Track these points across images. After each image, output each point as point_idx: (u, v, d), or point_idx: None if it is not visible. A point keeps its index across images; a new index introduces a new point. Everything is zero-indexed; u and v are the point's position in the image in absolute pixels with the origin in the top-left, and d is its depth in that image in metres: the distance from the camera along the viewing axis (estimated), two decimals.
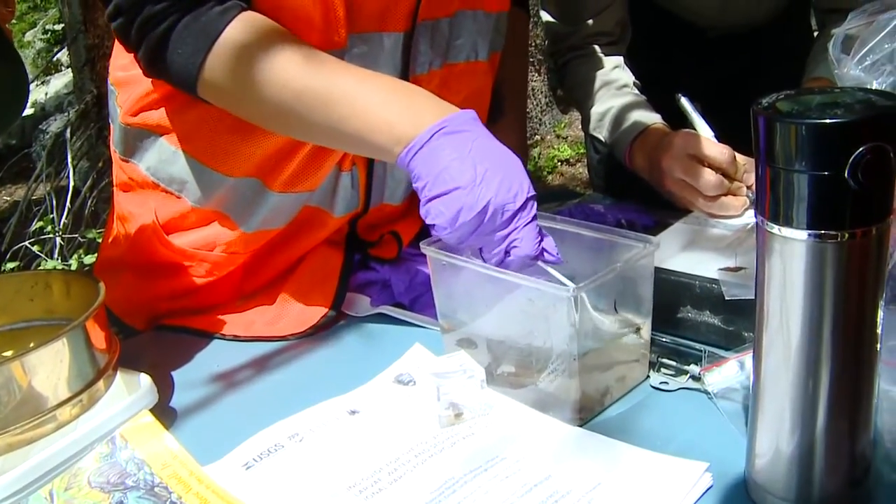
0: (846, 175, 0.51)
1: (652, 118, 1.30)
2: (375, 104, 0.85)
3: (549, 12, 1.47)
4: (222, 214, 1.07)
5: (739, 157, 1.13)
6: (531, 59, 4.79)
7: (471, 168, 0.78)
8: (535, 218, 0.81)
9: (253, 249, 1.09)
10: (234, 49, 0.88)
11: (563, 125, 4.85)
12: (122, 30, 0.92)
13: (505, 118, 1.29)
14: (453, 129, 0.81)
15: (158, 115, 1.06)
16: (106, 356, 0.87)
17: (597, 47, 1.44)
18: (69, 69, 6.40)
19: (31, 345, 0.78)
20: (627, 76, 1.40)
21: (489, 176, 0.78)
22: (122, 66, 1.10)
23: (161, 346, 1.09)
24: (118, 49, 1.10)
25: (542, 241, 0.81)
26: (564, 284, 0.79)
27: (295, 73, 0.87)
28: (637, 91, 1.38)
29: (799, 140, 0.52)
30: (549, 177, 4.57)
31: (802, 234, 0.55)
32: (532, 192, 0.81)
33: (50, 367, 0.79)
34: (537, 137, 4.93)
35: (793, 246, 0.56)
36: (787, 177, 0.54)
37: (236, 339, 1.07)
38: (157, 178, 1.08)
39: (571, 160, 4.66)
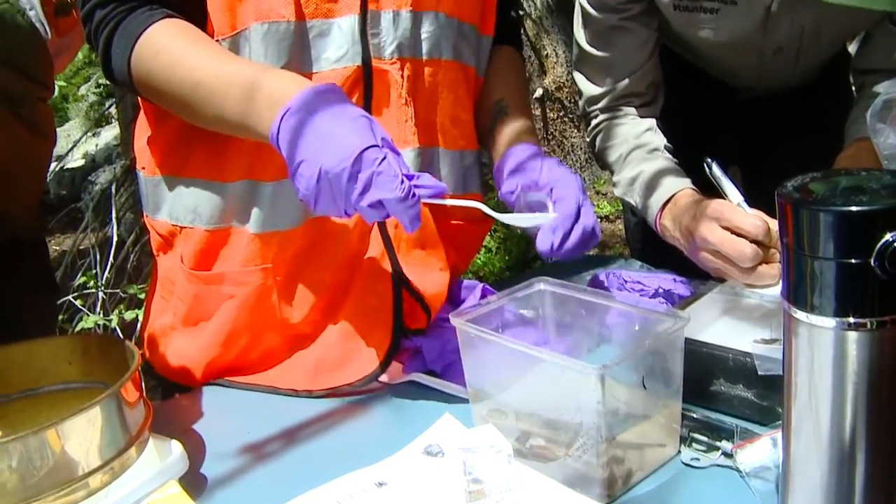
0: (873, 263, 0.51)
1: (681, 183, 1.29)
2: (249, 92, 0.95)
3: (581, 73, 1.48)
4: (233, 227, 1.11)
5: (773, 224, 1.12)
6: (570, 116, 4.82)
7: (305, 143, 0.89)
8: (385, 160, 0.86)
9: (278, 261, 1.10)
10: (150, 46, 1.02)
11: (602, 182, 4.85)
12: (87, 37, 1.07)
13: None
14: (296, 109, 0.90)
15: (160, 155, 1.15)
16: (139, 422, 0.88)
17: (630, 109, 1.45)
18: (118, 120, 6.57)
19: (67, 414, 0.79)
20: (659, 139, 1.40)
21: (318, 144, 0.88)
22: (137, 144, 1.20)
23: (196, 408, 1.10)
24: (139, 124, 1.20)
25: (407, 183, 0.87)
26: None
27: (193, 66, 1.00)
28: (669, 154, 1.38)
29: (824, 227, 0.52)
30: None
31: (830, 322, 0.54)
32: (366, 144, 0.87)
33: (83, 434, 0.80)
34: None
35: (820, 333, 0.55)
36: (812, 263, 0.53)
37: (290, 392, 1.10)
38: (178, 219, 1.14)
39: (611, 217, 4.65)
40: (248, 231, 1.09)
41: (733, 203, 1.16)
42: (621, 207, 4.58)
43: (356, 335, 1.11)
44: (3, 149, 1.16)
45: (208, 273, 1.13)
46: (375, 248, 1.12)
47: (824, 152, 1.31)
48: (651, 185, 1.32)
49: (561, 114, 4.82)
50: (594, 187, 4.92)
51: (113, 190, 3.89)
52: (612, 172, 1.45)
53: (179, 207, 1.14)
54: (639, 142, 1.39)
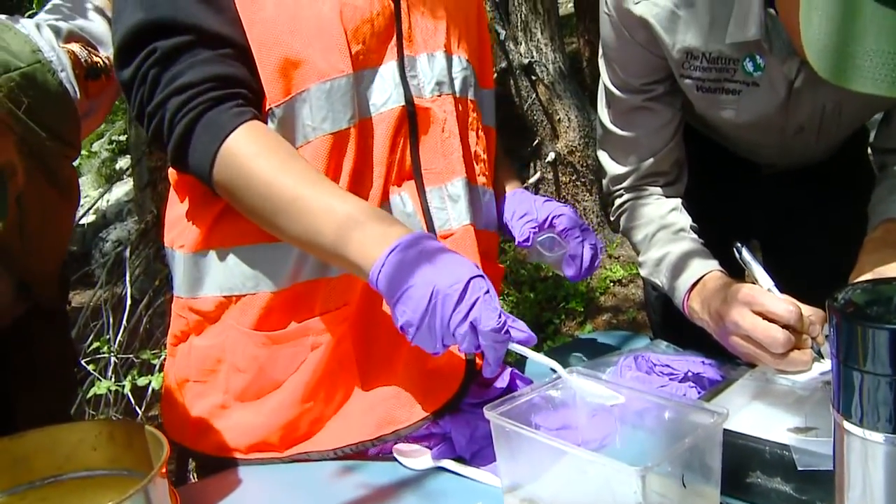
0: None
1: (709, 266, 1.29)
2: (348, 225, 0.99)
3: (605, 152, 1.49)
4: (306, 280, 1.12)
5: (805, 310, 1.12)
6: (583, 179, 4.84)
7: (418, 271, 0.93)
8: (488, 293, 0.92)
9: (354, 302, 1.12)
10: (242, 152, 1.03)
11: (614, 245, 4.86)
12: (158, 125, 1.07)
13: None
14: (404, 247, 0.95)
15: (206, 229, 1.15)
16: None
17: (654, 188, 1.45)
18: (130, 178, 6.65)
19: None
20: (684, 220, 1.40)
21: (432, 271, 0.93)
22: (170, 222, 1.22)
23: (225, 489, 1.08)
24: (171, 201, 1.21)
25: (504, 318, 0.91)
26: (552, 369, 0.97)
27: (288, 184, 1.02)
28: (694, 235, 1.38)
29: (880, 344, 0.51)
30: (602, 298, 4.55)
31: (881, 437, 0.53)
32: (475, 273, 0.93)
33: None
34: None
35: (872, 447, 0.54)
36: (865, 378, 0.53)
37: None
38: (232, 289, 1.14)
39: (624, 281, 4.64)
40: (326, 277, 1.11)
41: (764, 288, 1.15)
42: (634, 271, 4.61)
43: (427, 370, 1.12)
44: (32, 211, 1.16)
45: (286, 331, 1.12)
46: None
47: (845, 228, 1.32)
48: (678, 267, 1.32)
49: (573, 177, 4.85)
50: (606, 251, 4.92)
51: (127, 253, 3.91)
52: (637, 252, 1.45)
53: (236, 276, 1.14)
54: (664, 222, 1.39)
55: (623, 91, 1.39)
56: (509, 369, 1.21)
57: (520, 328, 0.93)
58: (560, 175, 4.85)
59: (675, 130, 1.43)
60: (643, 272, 1.42)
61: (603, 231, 4.95)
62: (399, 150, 1.15)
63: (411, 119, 1.15)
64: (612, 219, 1.54)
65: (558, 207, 1.33)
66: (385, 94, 1.13)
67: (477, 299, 0.91)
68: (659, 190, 1.45)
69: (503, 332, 0.91)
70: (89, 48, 1.34)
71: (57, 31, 1.33)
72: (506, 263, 5.08)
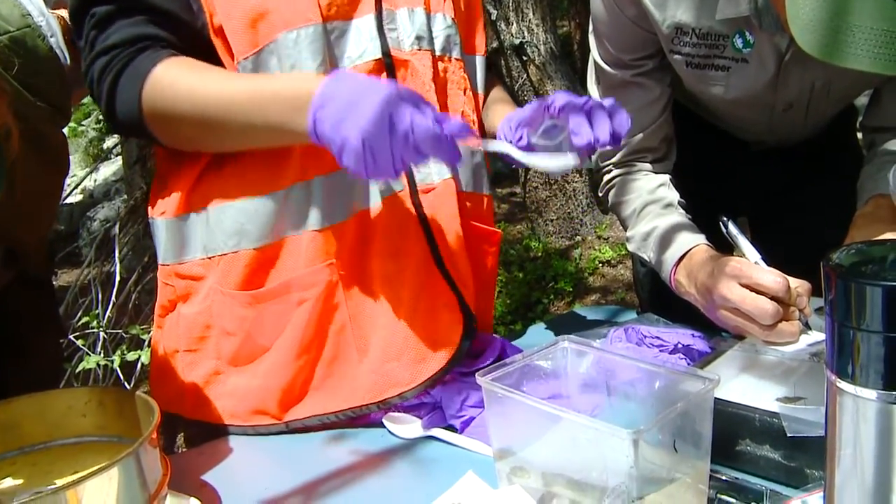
0: None
1: (696, 239, 1.29)
2: (270, 101, 1.01)
3: None
4: (287, 236, 1.12)
5: (791, 281, 1.12)
6: None
7: (343, 123, 0.92)
8: (415, 107, 0.92)
9: (339, 256, 1.12)
10: (162, 79, 1.05)
11: (604, 226, 4.86)
12: (90, 86, 1.10)
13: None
14: (319, 105, 0.95)
15: (187, 191, 1.16)
16: (157, 480, 0.86)
17: (643, 164, 1.45)
18: (118, 157, 6.60)
19: (80, 473, 0.78)
20: (673, 194, 1.40)
21: (351, 123, 0.91)
22: (153, 194, 1.21)
23: (214, 460, 1.08)
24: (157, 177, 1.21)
25: (443, 129, 0.92)
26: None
27: (212, 88, 1.04)
28: (682, 210, 1.38)
29: (874, 302, 0.52)
30: (591, 278, 4.56)
31: (874, 394, 0.54)
32: (391, 95, 0.91)
33: (102, 494, 0.79)
34: (578, 238, 4.94)
35: (865, 404, 0.55)
36: (859, 336, 0.53)
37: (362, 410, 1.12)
38: (215, 249, 1.14)
39: (613, 261, 4.65)
40: (308, 230, 1.11)
41: (751, 261, 1.15)
42: (624, 252, 4.62)
43: (424, 328, 1.12)
44: (21, 178, 1.15)
45: (268, 289, 1.13)
46: (417, 240, 1.15)
47: (833, 204, 1.32)
48: (665, 241, 1.32)
49: None
50: (596, 232, 4.93)
51: (117, 229, 3.89)
52: (625, 227, 1.45)
53: (217, 236, 1.14)
54: (652, 197, 1.39)
55: (613, 66, 1.39)
56: (500, 340, 1.21)
57: (456, 126, 0.95)
58: None
59: (665, 107, 1.43)
60: (631, 247, 1.43)
61: (592, 212, 4.96)
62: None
63: (389, 71, 1.14)
64: (600, 194, 1.54)
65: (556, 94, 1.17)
66: (361, 47, 1.13)
67: (409, 124, 0.91)
68: (648, 166, 1.45)
69: (447, 140, 0.93)
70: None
71: None
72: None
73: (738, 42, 1.27)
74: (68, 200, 7.98)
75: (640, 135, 1.42)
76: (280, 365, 1.13)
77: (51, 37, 1.24)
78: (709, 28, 1.26)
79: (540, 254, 4.82)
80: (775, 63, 1.29)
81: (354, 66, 1.12)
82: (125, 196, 5.89)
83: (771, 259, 1.19)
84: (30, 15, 1.20)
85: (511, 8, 4.76)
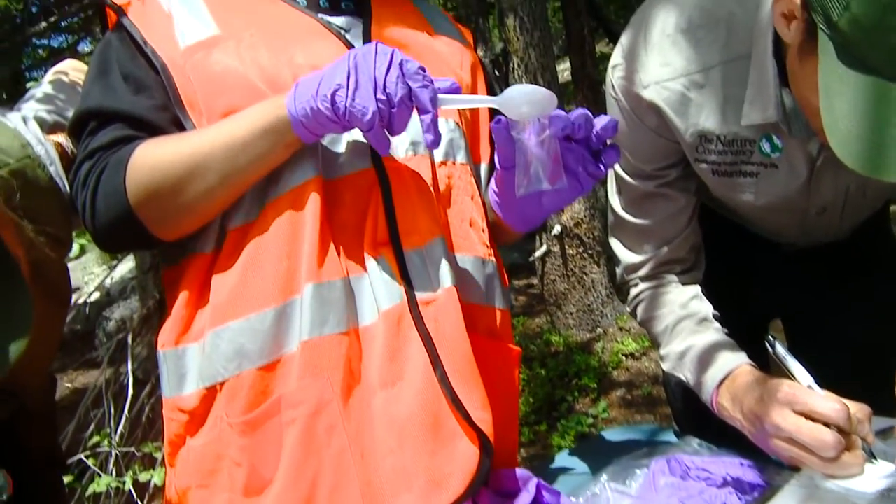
0: None
1: (737, 359, 1.21)
2: (248, 113, 1.04)
3: (618, 240, 1.43)
4: (283, 354, 1.06)
5: (852, 407, 1.03)
6: (590, 251, 4.78)
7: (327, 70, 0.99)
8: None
9: (331, 368, 1.04)
10: (141, 157, 1.05)
11: (625, 318, 4.77)
12: (74, 194, 1.12)
13: None
14: (300, 83, 1.01)
15: (184, 321, 1.12)
16: None
17: (671, 276, 1.38)
18: (133, 255, 6.61)
19: None
20: (706, 308, 1.32)
21: (321, 80, 0.98)
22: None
23: None
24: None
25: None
26: None
27: (192, 137, 1.05)
28: (718, 324, 1.30)
29: None
30: (615, 372, 4.44)
31: None
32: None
33: None
34: (599, 331, 4.84)
35: None
36: None
37: None
38: (215, 376, 1.07)
39: (637, 354, 4.54)
40: (299, 342, 1.04)
41: (803, 384, 1.07)
42: (647, 344, 4.51)
43: (434, 454, 1.03)
44: None
45: (261, 409, 1.04)
46: (419, 358, 1.05)
47: (871, 303, 1.25)
48: (704, 361, 1.24)
49: (580, 250, 4.79)
50: (617, 323, 4.84)
51: (129, 339, 3.83)
52: (657, 345, 1.37)
53: (217, 361, 1.06)
54: (685, 312, 1.31)
55: (634, 177, 1.33)
56: (535, 480, 1.11)
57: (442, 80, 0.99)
58: (567, 248, 4.79)
59: (691, 216, 1.37)
60: (665, 366, 1.34)
61: (612, 303, 4.87)
62: (371, 215, 1.09)
63: (383, 182, 1.09)
64: (628, 309, 1.47)
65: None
66: (352, 155, 1.10)
67: (392, 52, 0.96)
68: (676, 277, 1.38)
69: (430, 83, 0.96)
70: (73, 137, 1.31)
71: (42, 123, 1.30)
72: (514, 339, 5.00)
73: (766, 146, 1.22)
74: (83, 300, 7.99)
75: (667, 247, 1.35)
76: (282, 497, 1.03)
77: (50, 165, 1.21)
78: (734, 134, 1.21)
79: (561, 348, 4.71)
80: (807, 167, 1.22)
81: (345, 176, 1.09)
82: (140, 299, 5.87)
83: (817, 372, 1.10)
84: (29, 145, 1.18)
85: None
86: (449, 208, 1.17)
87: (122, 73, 1.13)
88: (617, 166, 1.35)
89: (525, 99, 0.99)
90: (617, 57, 1.27)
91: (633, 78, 1.23)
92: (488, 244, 1.21)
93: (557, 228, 4.72)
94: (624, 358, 4.53)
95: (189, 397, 1.10)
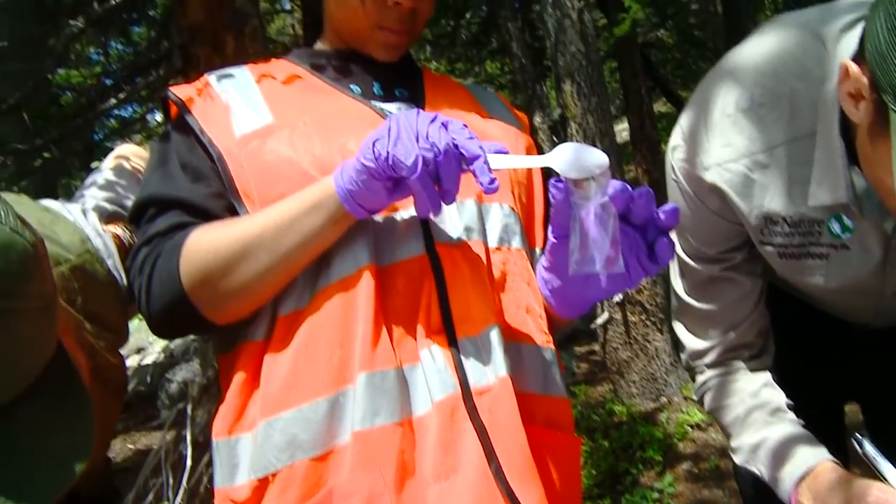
0: None
1: (817, 455, 1.14)
2: (297, 197, 1.04)
3: (682, 324, 1.37)
4: (335, 445, 1.03)
5: None
6: (653, 318, 4.68)
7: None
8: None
9: (384, 461, 1.00)
10: (195, 243, 1.06)
11: (690, 386, 4.63)
12: (130, 283, 1.12)
13: None
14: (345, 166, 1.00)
15: (236, 411, 1.09)
16: None
17: (739, 363, 1.32)
18: None
19: None
20: (779, 396, 1.26)
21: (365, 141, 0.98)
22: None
23: None
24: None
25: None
26: None
27: (244, 221, 1.06)
28: (793, 415, 1.23)
29: None
30: (681, 444, 4.29)
31: None
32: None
33: None
34: (664, 400, 4.71)
35: None
36: None
37: None
38: (267, 467, 1.03)
39: (703, 425, 4.39)
40: (352, 432, 1.00)
41: (895, 488, 1.00)
42: None
43: None
44: None
45: (313, 501, 1.01)
46: (473, 451, 1.01)
47: None
48: (780, 455, 1.17)
49: (643, 317, 4.69)
50: (682, 392, 4.70)
51: (189, 410, 3.85)
52: (727, 435, 1.30)
53: (270, 451, 1.03)
54: (757, 401, 1.25)
55: (697, 261, 1.28)
56: None
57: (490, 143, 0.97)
58: (629, 314, 4.69)
59: (758, 299, 1.31)
60: (737, 459, 1.27)
61: (676, 372, 4.75)
62: (424, 302, 1.06)
63: (436, 269, 1.07)
64: (695, 397, 1.40)
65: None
66: (405, 242, 1.08)
67: (436, 115, 0.96)
68: (745, 364, 1.32)
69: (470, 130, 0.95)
70: (130, 227, 1.32)
71: (101, 213, 1.31)
72: (576, 408, 4.89)
73: (836, 227, 1.16)
74: (147, 361, 8.10)
75: (734, 332, 1.29)
76: None
77: (108, 258, 1.22)
78: (801, 215, 1.16)
79: (624, 418, 4.58)
80: (881, 247, 1.16)
81: (398, 263, 1.07)
82: (201, 367, 5.93)
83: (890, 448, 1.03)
84: (89, 239, 1.19)
85: None
86: (504, 294, 1.14)
87: (180, 163, 1.15)
88: (679, 249, 1.30)
89: (577, 157, 0.94)
90: (676, 138, 1.23)
91: (693, 160, 1.19)
92: (546, 331, 1.17)
93: (619, 295, 4.64)
94: (690, 429, 4.38)
95: (241, 488, 1.07)
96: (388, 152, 0.94)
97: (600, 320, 4.77)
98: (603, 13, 9.48)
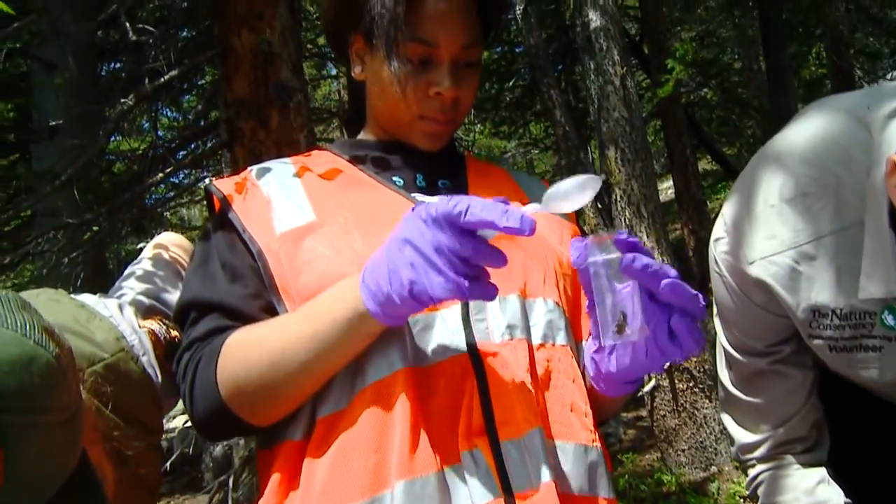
0: None
1: None
2: (321, 310, 1.01)
3: (730, 416, 1.33)
4: None
5: None
6: (701, 386, 4.58)
7: (388, 266, 0.93)
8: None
9: None
10: (230, 348, 1.05)
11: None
12: (179, 387, 1.12)
13: None
14: (367, 276, 0.96)
15: None
16: None
17: (791, 457, 1.26)
18: None
19: None
20: (836, 495, 1.20)
21: (389, 276, 0.92)
22: None
23: None
24: None
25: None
26: None
27: (273, 326, 1.05)
28: None
29: None
30: None
31: None
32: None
33: None
34: (714, 469, 4.58)
35: None
36: None
37: None
38: None
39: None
40: None
41: None
42: None
43: None
44: None
45: None
46: None
47: None
48: None
49: (690, 384, 4.59)
50: (732, 462, 4.56)
51: (230, 483, 3.83)
52: None
53: None
54: (813, 500, 1.20)
55: (744, 354, 1.24)
56: None
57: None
58: (676, 381, 4.60)
59: (810, 391, 1.26)
60: None
61: (726, 440, 4.62)
62: (466, 404, 1.03)
63: (477, 368, 1.04)
64: (747, 491, 1.35)
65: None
66: (445, 340, 1.04)
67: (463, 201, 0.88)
68: (797, 458, 1.26)
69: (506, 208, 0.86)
70: (167, 322, 1.31)
71: (137, 308, 1.31)
72: (623, 478, 4.77)
73: (889, 319, 1.12)
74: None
75: (784, 427, 1.25)
76: None
77: (143, 356, 1.21)
78: (851, 307, 1.11)
79: (674, 488, 4.46)
80: None
81: (438, 363, 1.04)
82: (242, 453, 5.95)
83: None
84: (124, 337, 1.18)
85: (623, 223, 4.72)
86: (548, 392, 1.11)
87: (220, 262, 1.15)
88: (724, 341, 1.26)
89: (565, 191, 0.90)
90: (719, 230, 1.20)
91: (737, 253, 1.16)
92: (592, 429, 1.13)
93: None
94: (741, 500, 4.25)
95: None
96: (429, 296, 0.89)
97: (647, 387, 4.68)
98: (646, 73, 9.53)
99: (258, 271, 1.12)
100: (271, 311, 1.11)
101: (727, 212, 1.20)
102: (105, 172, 5.55)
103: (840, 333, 1.15)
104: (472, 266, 0.90)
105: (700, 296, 0.94)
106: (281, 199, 1.16)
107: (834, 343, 1.16)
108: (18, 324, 0.79)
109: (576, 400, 1.12)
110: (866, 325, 1.13)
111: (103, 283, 4.75)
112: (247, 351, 1.05)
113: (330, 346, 1.01)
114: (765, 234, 1.14)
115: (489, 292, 0.91)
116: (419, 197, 1.18)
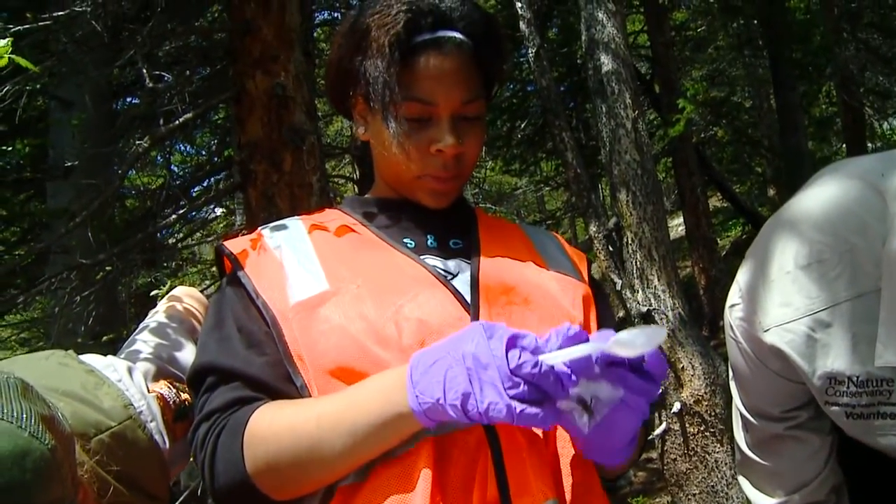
0: None
1: None
2: (360, 401, 0.99)
3: (746, 479, 1.32)
4: None
5: None
6: (712, 430, 4.54)
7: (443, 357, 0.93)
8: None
9: None
10: (258, 426, 1.03)
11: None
12: (194, 456, 1.10)
13: None
14: (416, 363, 0.95)
15: None
16: None
17: None
18: None
19: None
20: None
21: (451, 353, 0.92)
22: None
23: None
24: None
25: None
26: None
27: (308, 409, 1.02)
28: None
29: None
30: None
31: None
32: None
33: None
34: None
35: None
36: None
37: None
38: None
39: None
40: None
41: None
42: None
43: None
44: None
45: None
46: None
47: None
48: None
49: (702, 428, 4.55)
50: None
51: None
52: None
53: None
54: None
55: (760, 419, 1.23)
56: None
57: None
58: (687, 425, 4.56)
59: (828, 456, 1.25)
60: None
61: (737, 485, 4.56)
62: (480, 474, 1.01)
63: (492, 438, 1.02)
64: None
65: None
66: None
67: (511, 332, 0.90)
68: None
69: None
70: (177, 384, 1.30)
71: (147, 372, 1.30)
72: None
73: None
74: None
75: (798, 494, 1.24)
76: None
77: (151, 422, 1.20)
78: (868, 374, 1.11)
79: None
80: None
81: (453, 434, 1.02)
82: None
83: None
84: (132, 404, 1.18)
85: (635, 275, 4.70)
86: (563, 461, 1.10)
87: (236, 325, 1.14)
88: (740, 404, 1.26)
89: (631, 341, 0.91)
90: (734, 296, 1.20)
91: (752, 320, 1.16)
92: (604, 493, 1.13)
93: (677, 406, 4.52)
94: None
95: None
96: (479, 412, 0.89)
97: (658, 431, 4.63)
98: (657, 111, 9.58)
99: (273, 338, 1.11)
100: (289, 380, 1.10)
101: (742, 278, 1.20)
102: (117, 206, 5.58)
103: (857, 401, 1.14)
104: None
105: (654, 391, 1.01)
106: (293, 265, 1.16)
107: (851, 410, 1.15)
108: (15, 414, 0.78)
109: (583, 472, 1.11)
110: (884, 393, 1.13)
111: (115, 319, 4.76)
112: (278, 433, 1.03)
113: (367, 438, 0.99)
114: (780, 300, 1.13)
115: (546, 419, 0.91)
116: (429, 260, 1.18)
